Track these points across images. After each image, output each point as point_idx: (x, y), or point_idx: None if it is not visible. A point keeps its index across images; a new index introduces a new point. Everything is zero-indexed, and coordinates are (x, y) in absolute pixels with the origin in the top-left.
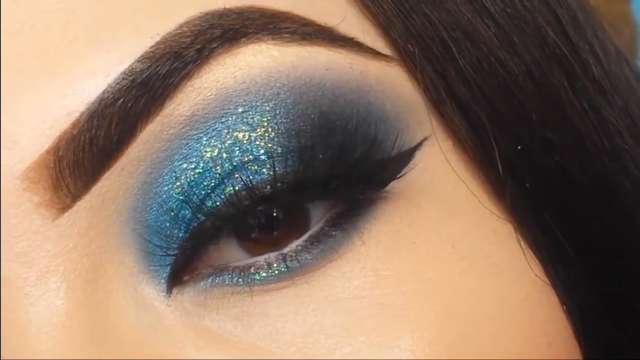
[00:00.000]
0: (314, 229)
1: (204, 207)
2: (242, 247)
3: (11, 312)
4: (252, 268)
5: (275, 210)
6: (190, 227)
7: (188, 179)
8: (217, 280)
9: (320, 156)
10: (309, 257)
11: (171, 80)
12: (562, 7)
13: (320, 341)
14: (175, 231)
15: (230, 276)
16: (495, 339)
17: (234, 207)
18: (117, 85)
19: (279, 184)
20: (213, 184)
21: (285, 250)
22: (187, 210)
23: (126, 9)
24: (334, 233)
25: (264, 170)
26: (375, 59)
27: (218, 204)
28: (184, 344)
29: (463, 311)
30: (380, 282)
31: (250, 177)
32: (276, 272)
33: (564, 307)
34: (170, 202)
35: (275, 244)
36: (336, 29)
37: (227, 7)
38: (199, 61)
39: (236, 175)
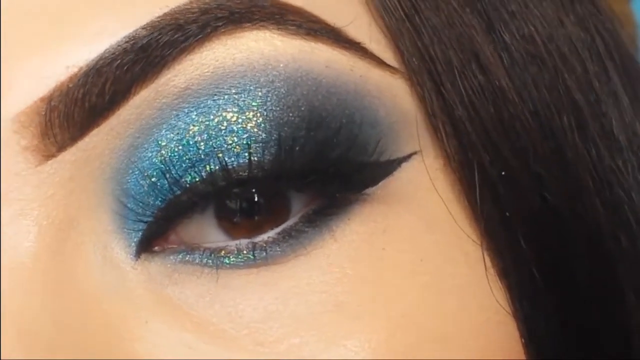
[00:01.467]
0: (288, 222)
1: (182, 180)
2: (221, 227)
3: None
4: (223, 252)
5: (256, 196)
6: (167, 198)
7: (171, 150)
8: (187, 258)
9: (301, 149)
10: (278, 250)
11: (170, 51)
12: (591, 56)
13: (272, 328)
14: (152, 199)
15: (200, 256)
16: (443, 357)
17: (211, 185)
18: (119, 47)
19: (255, 170)
20: (194, 159)
21: (257, 239)
22: (165, 181)
23: None
24: (306, 229)
25: (245, 154)
26: (379, 67)
27: (196, 180)
28: (142, 307)
29: (417, 324)
30: (343, 279)
31: (228, 159)
32: (245, 258)
33: (523, 340)
34: (151, 170)
35: (255, 229)
36: (344, 31)
37: None
38: (200, 36)
39: (218, 155)
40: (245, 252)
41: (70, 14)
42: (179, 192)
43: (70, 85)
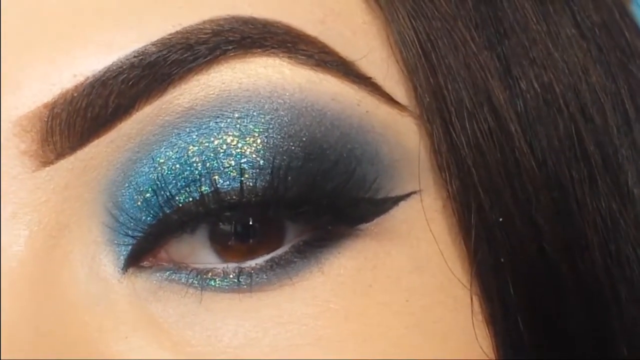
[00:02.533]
0: (277, 251)
1: (174, 199)
2: (214, 249)
3: None
4: (210, 273)
5: (251, 221)
6: (157, 216)
7: (168, 168)
8: (173, 276)
9: (295, 178)
10: (264, 277)
11: (177, 70)
12: (614, 107)
13: (250, 356)
14: (143, 215)
15: (187, 275)
16: None
17: (202, 207)
18: (127, 61)
19: (248, 196)
20: (189, 179)
21: (245, 264)
22: (157, 198)
23: None
24: (295, 260)
25: (239, 178)
26: (387, 103)
27: (189, 200)
28: (124, 321)
29: None
30: (326, 314)
31: (222, 182)
32: (230, 282)
33: None
34: (146, 186)
35: (248, 254)
36: (356, 65)
37: (254, 15)
38: (209, 58)
39: (214, 177)
40: (231, 276)
41: (81, 23)
42: (169, 211)
43: (75, 94)
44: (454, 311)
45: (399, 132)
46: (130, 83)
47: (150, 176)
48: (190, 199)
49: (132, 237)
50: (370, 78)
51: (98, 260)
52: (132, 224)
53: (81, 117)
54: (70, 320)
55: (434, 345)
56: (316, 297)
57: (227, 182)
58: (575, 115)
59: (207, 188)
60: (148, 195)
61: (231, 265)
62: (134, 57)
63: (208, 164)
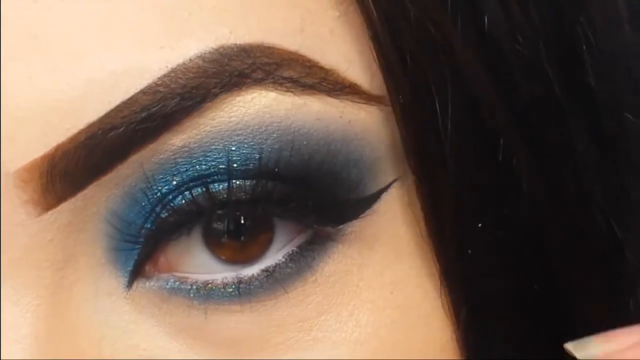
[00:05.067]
0: (270, 261)
1: (168, 203)
2: (208, 248)
3: None
4: (210, 285)
5: (242, 219)
6: (156, 220)
7: (162, 186)
8: (175, 292)
9: (282, 184)
10: (260, 288)
11: (170, 119)
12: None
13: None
14: (141, 221)
15: (188, 290)
16: None
17: (195, 206)
18: (120, 114)
19: (236, 195)
20: (180, 185)
21: (242, 274)
22: (152, 204)
23: (139, 34)
24: (288, 271)
25: (226, 182)
26: (367, 103)
27: (183, 202)
28: (133, 336)
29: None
30: (320, 317)
31: (211, 182)
32: (229, 294)
33: None
34: (139, 197)
35: (240, 251)
36: (337, 73)
37: (237, 42)
38: (199, 101)
39: (203, 179)
40: (230, 288)
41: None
42: (166, 214)
43: (71, 146)
44: (435, 290)
45: (378, 130)
46: (127, 137)
47: (146, 192)
48: (183, 201)
49: (133, 242)
50: (350, 85)
51: (103, 280)
52: (131, 231)
53: (80, 167)
54: (81, 341)
55: (420, 332)
56: (310, 302)
57: (217, 184)
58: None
59: (197, 190)
60: (141, 203)
61: (229, 276)
62: (126, 108)
63: (196, 167)
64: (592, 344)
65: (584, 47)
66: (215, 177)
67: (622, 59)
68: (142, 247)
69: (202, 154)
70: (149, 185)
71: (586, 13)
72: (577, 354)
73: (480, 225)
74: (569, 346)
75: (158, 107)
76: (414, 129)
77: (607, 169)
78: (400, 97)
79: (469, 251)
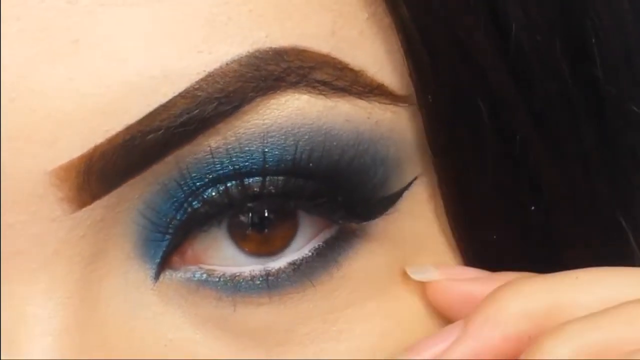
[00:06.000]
0: (297, 255)
1: (201, 194)
2: (232, 240)
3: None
4: (237, 278)
5: (266, 212)
6: (187, 211)
7: (196, 181)
8: (203, 284)
9: (313, 181)
10: (288, 281)
11: (206, 123)
12: None
13: (281, 354)
14: (173, 212)
15: (216, 282)
16: None
17: (228, 198)
18: (158, 117)
19: (268, 189)
20: (215, 180)
21: (269, 267)
22: (186, 196)
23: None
24: (315, 264)
25: (259, 177)
26: (393, 104)
27: (214, 194)
28: (161, 327)
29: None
30: (346, 310)
31: (246, 180)
32: (258, 287)
33: None
34: (173, 191)
35: (264, 243)
36: (365, 74)
37: (272, 45)
38: (236, 105)
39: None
40: (258, 281)
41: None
42: (198, 205)
43: (109, 147)
44: None
45: (404, 129)
46: (165, 138)
47: (179, 184)
48: (214, 193)
49: (163, 233)
50: (378, 86)
51: (132, 272)
52: (162, 222)
53: (117, 167)
54: (110, 333)
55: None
56: (337, 297)
57: (251, 178)
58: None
59: (230, 183)
60: (174, 194)
61: (256, 268)
62: (164, 111)
63: (232, 160)
64: (431, 269)
65: (594, 41)
66: (249, 173)
67: (626, 52)
68: (171, 238)
69: (236, 154)
70: (184, 181)
71: (594, 7)
72: (413, 276)
73: (503, 219)
74: (407, 269)
75: (196, 111)
76: (442, 128)
77: (613, 161)
78: (429, 97)
79: (493, 247)
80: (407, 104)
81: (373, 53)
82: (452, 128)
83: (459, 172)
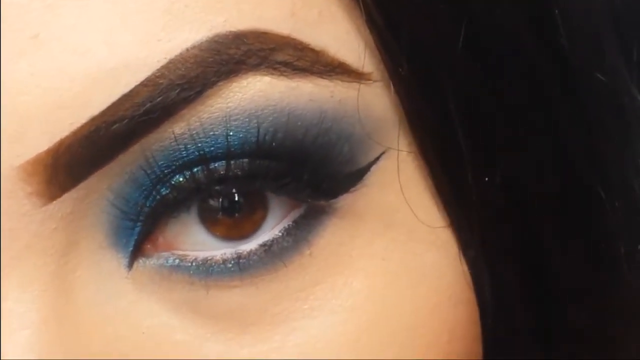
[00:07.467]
0: (268, 236)
1: (169, 180)
2: (203, 225)
3: None
4: (209, 262)
5: (236, 196)
6: (156, 198)
7: (163, 168)
8: (176, 270)
9: (277, 162)
10: (259, 263)
11: (170, 110)
12: None
13: (254, 334)
14: (142, 200)
15: (189, 267)
16: (415, 344)
17: (194, 182)
18: (121, 107)
19: (233, 171)
20: (181, 166)
21: (240, 249)
22: (153, 183)
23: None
24: (285, 244)
25: (224, 161)
26: (357, 80)
27: (181, 179)
28: (135, 315)
29: (382, 323)
30: (316, 287)
31: (211, 164)
32: (229, 270)
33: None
34: (141, 178)
35: (234, 226)
36: (326, 53)
37: (232, 30)
38: (198, 91)
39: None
40: (230, 264)
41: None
42: (166, 192)
43: (74, 140)
44: (428, 252)
45: (369, 105)
46: (128, 129)
47: (146, 171)
48: (182, 179)
49: (134, 221)
50: (340, 64)
51: (104, 262)
52: (132, 210)
53: (83, 159)
54: (84, 323)
55: (410, 296)
56: (306, 275)
57: (216, 162)
58: None
59: (197, 167)
60: (142, 182)
61: (228, 252)
62: (126, 100)
63: (197, 146)
64: None
65: (557, 12)
66: (214, 157)
67: (591, 20)
68: (142, 226)
69: (201, 139)
70: (151, 169)
71: None
72: None
73: (480, 188)
74: None
75: (159, 98)
76: (415, 100)
77: (581, 130)
78: (400, 69)
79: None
80: (371, 81)
81: (334, 32)
82: (425, 100)
83: (436, 143)
